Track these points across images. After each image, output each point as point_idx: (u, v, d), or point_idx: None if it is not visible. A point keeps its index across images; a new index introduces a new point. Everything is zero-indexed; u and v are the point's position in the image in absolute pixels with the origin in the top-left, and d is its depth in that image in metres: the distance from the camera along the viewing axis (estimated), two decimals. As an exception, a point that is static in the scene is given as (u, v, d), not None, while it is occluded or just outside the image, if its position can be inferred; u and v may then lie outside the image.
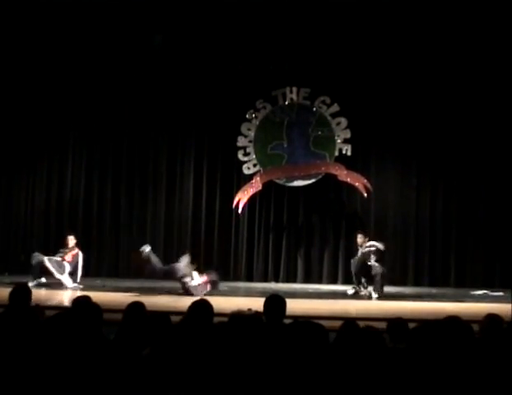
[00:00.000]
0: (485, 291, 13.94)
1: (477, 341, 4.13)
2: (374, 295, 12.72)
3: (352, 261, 13.56)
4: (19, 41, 15.58)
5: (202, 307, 4.86)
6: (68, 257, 13.88)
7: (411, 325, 5.39)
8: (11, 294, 5.84)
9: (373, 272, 12.94)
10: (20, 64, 15.98)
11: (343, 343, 3.57)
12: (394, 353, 3.94)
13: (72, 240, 14.12)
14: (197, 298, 5.31)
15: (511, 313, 8.01)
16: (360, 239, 13.57)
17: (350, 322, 3.87)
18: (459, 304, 11.82)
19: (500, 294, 13.29)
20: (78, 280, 13.79)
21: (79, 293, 11.75)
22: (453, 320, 4.07)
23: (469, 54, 15.08)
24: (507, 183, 14.96)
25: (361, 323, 4.15)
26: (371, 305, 11.88)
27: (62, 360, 3.75)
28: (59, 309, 7.31)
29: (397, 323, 5.84)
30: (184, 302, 6.03)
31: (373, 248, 13.16)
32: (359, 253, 13.41)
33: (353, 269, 13.48)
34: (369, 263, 13.04)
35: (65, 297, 12.00)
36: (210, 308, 4.90)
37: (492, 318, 5.02)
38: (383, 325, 5.79)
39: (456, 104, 15.40)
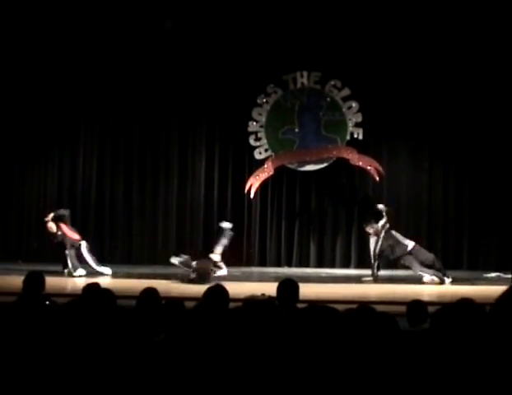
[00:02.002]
0: (498, 274, 13.92)
1: (490, 325, 4.12)
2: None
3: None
4: (31, 31, 15.59)
5: (217, 293, 4.87)
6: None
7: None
8: (25, 280, 5.85)
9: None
10: (32, 55, 15.96)
11: (357, 327, 3.57)
12: (407, 338, 3.94)
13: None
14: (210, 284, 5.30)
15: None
16: (370, 229, 13.34)
17: (364, 307, 3.86)
18: (472, 286, 11.82)
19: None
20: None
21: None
22: (466, 303, 4.06)
23: (481, 38, 14.99)
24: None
25: (377, 307, 4.15)
26: (384, 289, 11.85)
27: (74, 347, 3.77)
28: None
29: (415, 306, 5.83)
30: (198, 288, 6.04)
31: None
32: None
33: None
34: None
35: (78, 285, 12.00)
36: (226, 293, 4.90)
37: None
38: (398, 309, 5.78)
39: (468, 87, 15.33)
